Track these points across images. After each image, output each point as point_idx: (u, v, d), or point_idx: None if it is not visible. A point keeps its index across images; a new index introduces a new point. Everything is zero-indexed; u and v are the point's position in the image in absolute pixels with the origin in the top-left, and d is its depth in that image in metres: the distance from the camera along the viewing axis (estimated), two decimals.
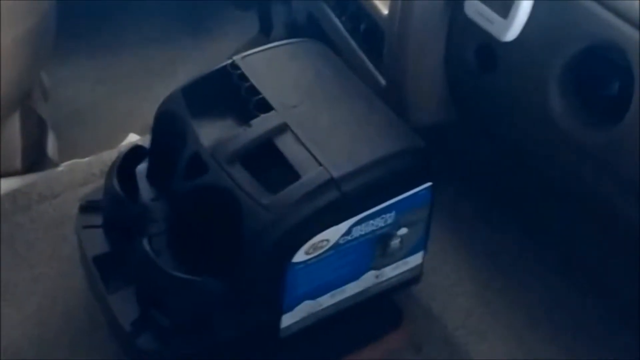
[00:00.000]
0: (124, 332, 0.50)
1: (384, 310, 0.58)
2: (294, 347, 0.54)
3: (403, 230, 0.54)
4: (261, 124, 0.51)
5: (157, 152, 0.57)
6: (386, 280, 0.56)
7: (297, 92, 0.53)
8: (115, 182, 0.54)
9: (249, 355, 0.53)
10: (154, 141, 0.57)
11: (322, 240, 0.49)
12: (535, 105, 0.51)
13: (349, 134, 0.51)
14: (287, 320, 0.52)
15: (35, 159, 0.82)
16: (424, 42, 0.56)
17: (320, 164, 0.49)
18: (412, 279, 0.59)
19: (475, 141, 0.64)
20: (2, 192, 0.73)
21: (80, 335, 0.60)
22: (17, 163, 0.80)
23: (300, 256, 0.49)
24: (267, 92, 0.52)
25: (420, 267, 0.58)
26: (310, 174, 0.48)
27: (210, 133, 0.52)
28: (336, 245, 0.50)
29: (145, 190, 0.56)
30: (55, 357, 0.59)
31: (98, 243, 0.54)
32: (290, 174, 0.49)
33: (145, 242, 0.49)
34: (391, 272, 0.56)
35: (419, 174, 0.51)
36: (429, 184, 0.52)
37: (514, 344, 0.60)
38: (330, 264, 0.51)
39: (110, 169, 0.55)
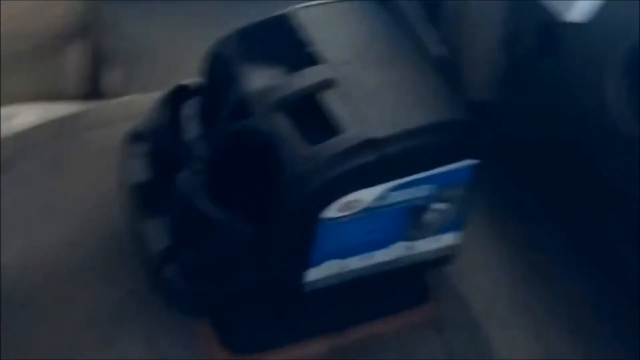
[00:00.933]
0: (151, 260, 0.51)
1: (410, 285, 0.58)
2: (315, 303, 0.54)
3: (439, 205, 0.52)
4: (309, 76, 0.50)
5: (206, 92, 0.57)
6: (417, 255, 0.55)
7: (350, 49, 0.52)
8: (160, 114, 0.54)
9: (271, 303, 0.53)
10: (204, 81, 0.57)
11: (355, 201, 0.48)
12: (594, 95, 0.49)
13: (396, 97, 0.50)
14: (313, 275, 0.52)
15: (91, 91, 0.84)
16: (482, 15, 0.55)
17: (363, 123, 0.48)
18: (444, 258, 0.57)
19: (525, 126, 0.61)
20: (52, 116, 0.75)
21: (107, 263, 0.61)
22: (73, 92, 0.82)
23: (331, 212, 0.48)
24: (320, 45, 0.51)
25: (453, 248, 0.57)
26: (351, 132, 0.47)
27: (258, 79, 0.52)
28: (369, 209, 0.49)
29: (191, 128, 0.56)
30: (80, 280, 0.60)
31: (139, 172, 0.55)
32: (331, 129, 0.48)
33: (182, 176, 0.49)
34: (423, 246, 0.55)
35: (462, 148, 0.50)
36: (472, 161, 0.50)
37: (534, 336, 0.58)
38: (361, 227, 0.51)
39: (157, 101, 0.56)
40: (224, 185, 0.51)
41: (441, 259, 0.57)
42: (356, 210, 0.49)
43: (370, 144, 0.47)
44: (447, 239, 0.56)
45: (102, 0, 0.81)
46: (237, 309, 0.52)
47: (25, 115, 0.78)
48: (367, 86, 0.50)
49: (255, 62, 0.54)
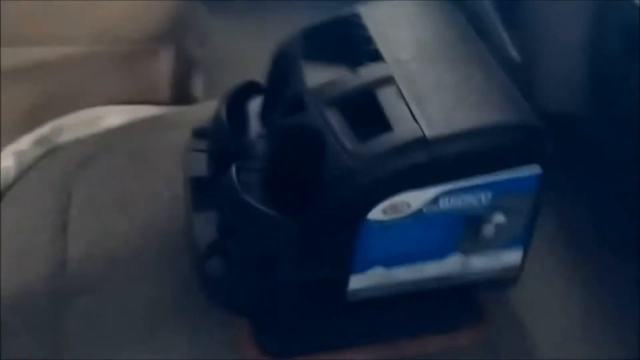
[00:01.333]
0: (198, 252, 0.51)
1: (463, 304, 0.54)
2: (359, 313, 0.52)
3: (500, 218, 0.49)
4: (367, 73, 0.49)
5: (271, 90, 0.56)
6: (473, 273, 0.52)
7: (413, 48, 0.50)
8: (222, 111, 0.54)
9: (313, 309, 0.51)
10: (269, 79, 0.56)
11: (404, 203, 0.46)
12: None
13: (457, 97, 0.47)
14: (356, 282, 0.50)
15: (181, 96, 0.86)
16: (565, 17, 0.51)
17: (417, 122, 0.46)
18: (505, 280, 0.54)
19: (609, 138, 0.57)
20: (142, 115, 0.78)
21: (168, 257, 0.62)
22: (163, 96, 0.84)
23: (377, 214, 0.46)
24: (382, 43, 0.50)
25: (515, 269, 0.53)
26: (403, 130, 0.45)
27: (318, 76, 0.51)
28: (419, 213, 0.47)
29: (254, 126, 0.56)
30: (140, 271, 0.61)
31: (199, 166, 0.55)
32: (384, 126, 0.46)
33: (233, 169, 0.49)
34: (480, 263, 0.51)
35: (525, 155, 0.46)
36: (538, 170, 0.47)
37: None
38: (410, 233, 0.48)
39: (221, 99, 0.56)
40: (276, 181, 0.51)
41: (501, 281, 0.53)
42: (404, 214, 0.46)
43: (422, 142, 0.44)
44: (508, 258, 0.52)
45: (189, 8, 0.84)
46: (278, 310, 0.51)
47: (113, 117, 0.81)
48: (427, 85, 0.48)
49: (318, 60, 0.53)
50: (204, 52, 0.85)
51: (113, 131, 0.77)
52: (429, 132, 0.45)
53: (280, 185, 0.50)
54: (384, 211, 0.46)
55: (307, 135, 0.47)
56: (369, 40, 0.51)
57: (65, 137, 0.78)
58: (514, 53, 0.56)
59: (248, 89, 0.58)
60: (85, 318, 0.58)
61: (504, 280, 0.53)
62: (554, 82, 0.56)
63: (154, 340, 0.55)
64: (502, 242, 0.50)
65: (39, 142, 0.76)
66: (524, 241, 0.51)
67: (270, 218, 0.47)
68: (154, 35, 0.81)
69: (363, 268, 0.49)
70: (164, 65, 0.84)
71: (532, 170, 0.47)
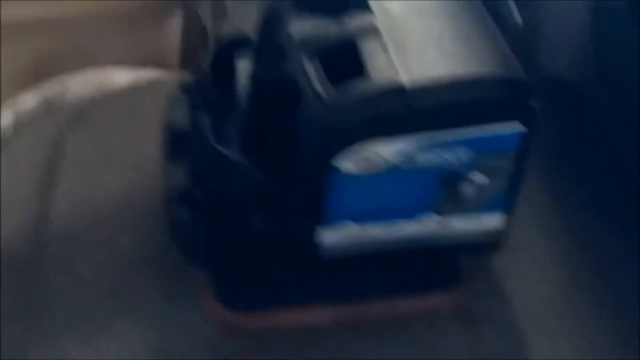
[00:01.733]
0: (168, 200, 0.50)
1: (440, 267, 0.52)
2: (329, 272, 0.50)
3: (479, 177, 0.47)
4: (352, 24, 0.48)
5: (259, 44, 0.55)
6: (452, 234, 0.50)
7: (405, 3, 0.48)
8: (206, 63, 0.53)
9: (282, 264, 0.50)
10: (257, 33, 0.55)
11: (377, 155, 0.45)
12: None
13: (442, 49, 0.46)
14: (328, 238, 0.49)
15: (190, 62, 0.85)
16: None
17: (395, 70, 0.44)
18: (486, 245, 0.52)
19: (608, 105, 0.54)
20: (143, 79, 0.78)
21: (151, 214, 0.62)
22: (172, 60, 0.83)
23: (348, 164, 0.45)
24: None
25: (498, 233, 0.51)
26: (380, 77, 0.44)
27: (304, 28, 0.50)
28: (393, 167, 0.46)
29: (243, 80, 0.55)
30: (122, 226, 0.61)
31: (179, 118, 0.54)
32: (363, 75, 0.45)
33: (206, 117, 0.48)
34: (459, 225, 0.50)
35: (508, 110, 0.44)
36: (521, 128, 0.45)
37: (581, 353, 0.50)
38: (384, 188, 0.47)
39: (207, 52, 0.55)
40: (252, 132, 0.50)
41: (482, 245, 0.51)
42: (377, 166, 0.45)
43: (398, 90, 0.43)
44: (489, 222, 0.50)
45: None
46: (245, 263, 0.49)
47: (119, 78, 0.81)
48: (412, 36, 0.46)
49: (307, 12, 0.52)
50: (215, 18, 0.84)
51: (113, 91, 0.77)
52: (406, 80, 0.43)
53: (256, 135, 0.49)
54: (356, 162, 0.45)
55: (283, 85, 0.46)
56: None
57: (69, 96, 0.78)
58: (517, 18, 0.55)
59: (239, 43, 0.57)
60: (65, 268, 0.58)
61: (485, 246, 0.51)
62: (556, 47, 0.54)
63: (127, 292, 0.55)
64: (482, 204, 0.48)
65: (41, 100, 0.77)
66: (506, 205, 0.49)
67: (239, 166, 0.46)
68: None
69: (334, 223, 0.48)
70: (173, 29, 0.83)
71: (514, 127, 0.45)
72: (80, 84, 0.78)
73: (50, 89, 0.78)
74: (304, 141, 0.44)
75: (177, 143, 0.53)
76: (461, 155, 0.45)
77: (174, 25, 0.84)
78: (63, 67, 0.80)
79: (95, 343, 0.52)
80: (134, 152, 0.69)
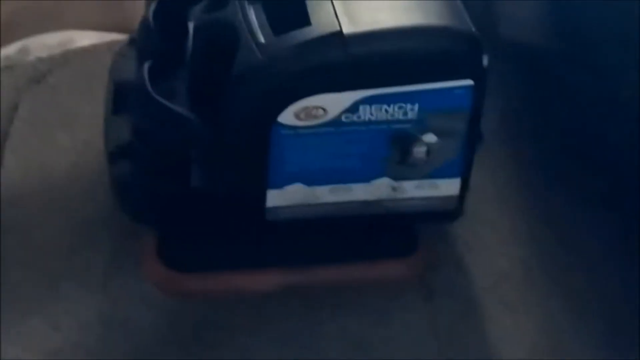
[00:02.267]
0: (109, 154, 0.48)
1: (395, 233, 0.49)
2: (278, 236, 0.48)
3: (431, 137, 0.44)
4: None
5: None
6: (405, 200, 0.48)
7: None
8: (149, 13, 0.51)
9: (226, 225, 0.47)
10: None
11: (318, 108, 0.42)
12: None
13: (389, 1, 0.43)
14: (275, 199, 0.46)
15: None
16: None
17: (337, 18, 0.41)
18: (444, 213, 0.49)
19: (570, 72, 0.51)
20: (105, 41, 0.76)
21: (101, 174, 0.60)
22: (134, 26, 0.81)
23: (288, 118, 0.42)
24: None
25: (454, 200, 0.48)
26: (321, 25, 0.41)
27: None
28: (337, 122, 0.43)
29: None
30: (74, 190, 0.59)
31: (124, 70, 0.52)
32: (305, 23, 0.42)
33: (145, 67, 0.46)
34: (413, 190, 0.47)
35: (455, 64, 0.42)
36: (469, 82, 0.42)
37: (540, 327, 0.48)
38: (330, 146, 0.44)
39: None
40: (194, 82, 0.47)
41: (438, 213, 0.49)
42: (320, 121, 0.42)
43: (338, 38, 0.40)
44: (444, 188, 0.47)
45: None
46: (187, 222, 0.47)
47: (83, 41, 0.79)
48: None
49: None
50: None
51: (73, 51, 0.75)
52: (347, 29, 0.40)
53: (199, 85, 0.46)
54: (297, 115, 0.42)
55: (222, 31, 0.43)
56: None
57: (29, 57, 0.76)
58: None
59: None
60: (16, 233, 0.55)
61: (441, 214, 0.49)
62: (516, 11, 0.51)
63: (79, 258, 0.52)
64: (436, 168, 0.46)
65: (4, 60, 0.75)
66: (461, 169, 0.46)
67: (179, 118, 0.44)
68: None
69: (280, 183, 0.45)
70: None
71: (463, 83, 0.42)
72: (42, 45, 0.76)
73: (11, 49, 0.76)
74: (241, 91, 0.42)
75: (120, 96, 0.51)
76: (408, 110, 0.43)
77: None
78: (26, 28, 0.79)
79: (46, 311, 0.50)
80: (92, 113, 0.67)
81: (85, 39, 0.80)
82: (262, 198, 0.46)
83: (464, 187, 0.47)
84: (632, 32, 0.44)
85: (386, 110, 0.42)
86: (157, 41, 0.50)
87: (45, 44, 0.78)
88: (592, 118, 0.53)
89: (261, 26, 0.42)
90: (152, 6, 0.51)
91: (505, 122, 0.53)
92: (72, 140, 0.63)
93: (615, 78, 0.50)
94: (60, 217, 0.56)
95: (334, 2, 0.42)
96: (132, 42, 0.56)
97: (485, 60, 0.41)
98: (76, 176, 0.60)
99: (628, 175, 0.50)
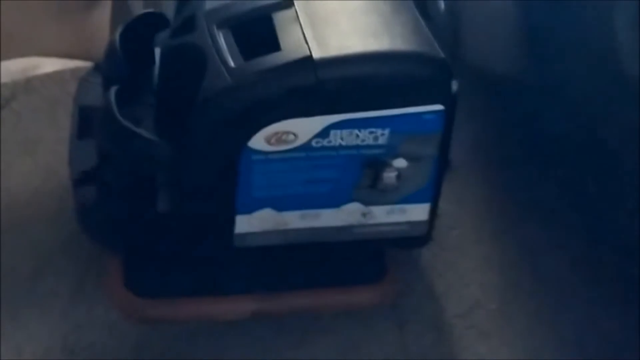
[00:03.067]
0: (74, 180, 0.47)
1: (364, 260, 0.49)
2: (247, 262, 0.47)
3: (401, 162, 0.44)
4: None
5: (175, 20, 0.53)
6: (375, 226, 0.47)
7: None
8: (115, 39, 0.50)
9: (194, 250, 0.47)
10: (174, 10, 0.53)
11: (289, 133, 0.42)
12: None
13: (357, 25, 0.43)
14: (243, 225, 0.45)
15: None
16: None
17: (307, 43, 0.41)
18: (413, 239, 0.49)
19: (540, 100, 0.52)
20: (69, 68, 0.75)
21: (63, 198, 0.58)
22: (98, 52, 0.81)
23: (259, 143, 0.42)
24: None
25: (425, 225, 0.48)
26: (291, 50, 0.41)
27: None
28: (307, 147, 0.42)
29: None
30: (34, 214, 0.57)
31: (90, 96, 0.51)
32: (274, 48, 0.42)
33: (112, 91, 0.45)
34: (383, 216, 0.47)
35: (426, 88, 0.42)
36: (440, 107, 0.43)
37: (517, 352, 0.48)
38: (300, 171, 0.44)
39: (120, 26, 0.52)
40: (161, 106, 0.47)
41: (407, 239, 0.48)
42: (291, 146, 0.42)
43: (308, 63, 0.40)
44: (414, 213, 0.47)
45: None
46: (153, 247, 0.46)
47: (46, 67, 0.79)
48: (328, 11, 0.44)
49: None
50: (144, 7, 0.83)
51: (37, 77, 0.74)
52: (317, 54, 0.41)
53: (165, 110, 0.46)
54: (268, 140, 0.42)
55: (190, 55, 0.43)
56: None
57: None
58: (441, 7, 0.53)
59: (151, 18, 0.53)
60: None
61: (411, 239, 0.49)
62: (485, 38, 0.52)
63: (42, 285, 0.52)
64: (405, 193, 0.46)
65: None
66: (430, 195, 0.46)
67: (145, 141, 0.43)
68: None
69: (249, 208, 0.45)
70: (99, 21, 0.81)
71: (433, 108, 0.42)
72: (6, 70, 0.75)
73: None
74: (210, 115, 0.41)
75: (86, 122, 0.51)
76: (378, 135, 0.43)
77: (103, 17, 0.82)
78: None
79: (9, 337, 0.48)
80: (55, 138, 0.66)
81: (49, 65, 0.79)
82: (231, 224, 0.45)
83: (433, 212, 0.48)
84: (602, 64, 0.45)
85: (357, 135, 0.42)
86: (123, 66, 0.50)
87: (9, 69, 0.78)
88: (565, 146, 0.54)
89: (231, 51, 0.42)
90: (119, 31, 0.51)
91: (476, 149, 0.53)
92: (35, 166, 0.62)
93: (587, 109, 0.51)
94: (23, 243, 0.55)
95: (303, 27, 0.42)
96: (96, 68, 0.55)
97: (454, 86, 0.42)
98: (39, 202, 0.59)
99: (601, 201, 0.51)
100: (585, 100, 0.49)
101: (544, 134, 0.55)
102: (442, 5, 0.51)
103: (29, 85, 0.73)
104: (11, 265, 0.53)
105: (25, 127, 0.67)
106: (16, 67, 0.79)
